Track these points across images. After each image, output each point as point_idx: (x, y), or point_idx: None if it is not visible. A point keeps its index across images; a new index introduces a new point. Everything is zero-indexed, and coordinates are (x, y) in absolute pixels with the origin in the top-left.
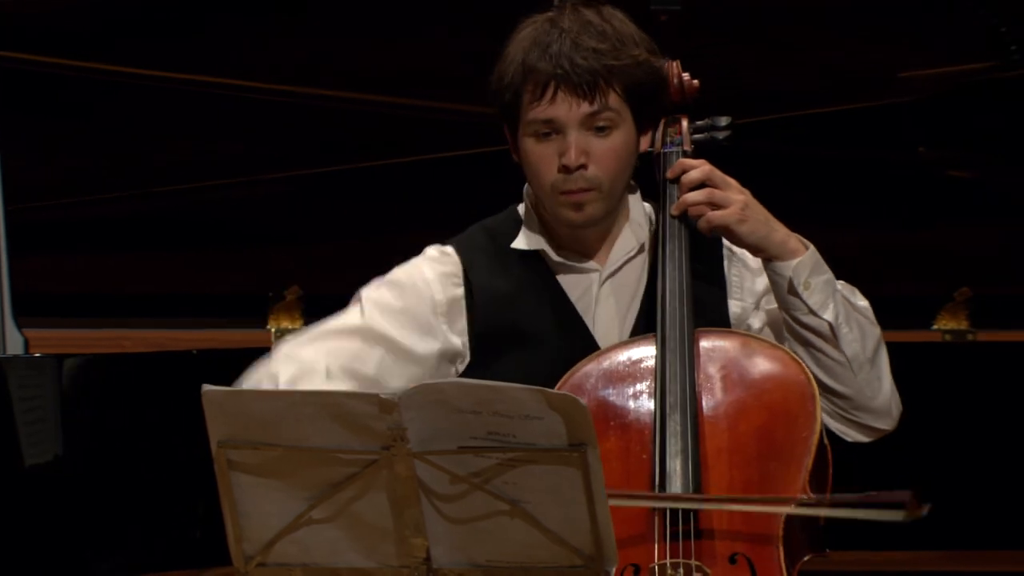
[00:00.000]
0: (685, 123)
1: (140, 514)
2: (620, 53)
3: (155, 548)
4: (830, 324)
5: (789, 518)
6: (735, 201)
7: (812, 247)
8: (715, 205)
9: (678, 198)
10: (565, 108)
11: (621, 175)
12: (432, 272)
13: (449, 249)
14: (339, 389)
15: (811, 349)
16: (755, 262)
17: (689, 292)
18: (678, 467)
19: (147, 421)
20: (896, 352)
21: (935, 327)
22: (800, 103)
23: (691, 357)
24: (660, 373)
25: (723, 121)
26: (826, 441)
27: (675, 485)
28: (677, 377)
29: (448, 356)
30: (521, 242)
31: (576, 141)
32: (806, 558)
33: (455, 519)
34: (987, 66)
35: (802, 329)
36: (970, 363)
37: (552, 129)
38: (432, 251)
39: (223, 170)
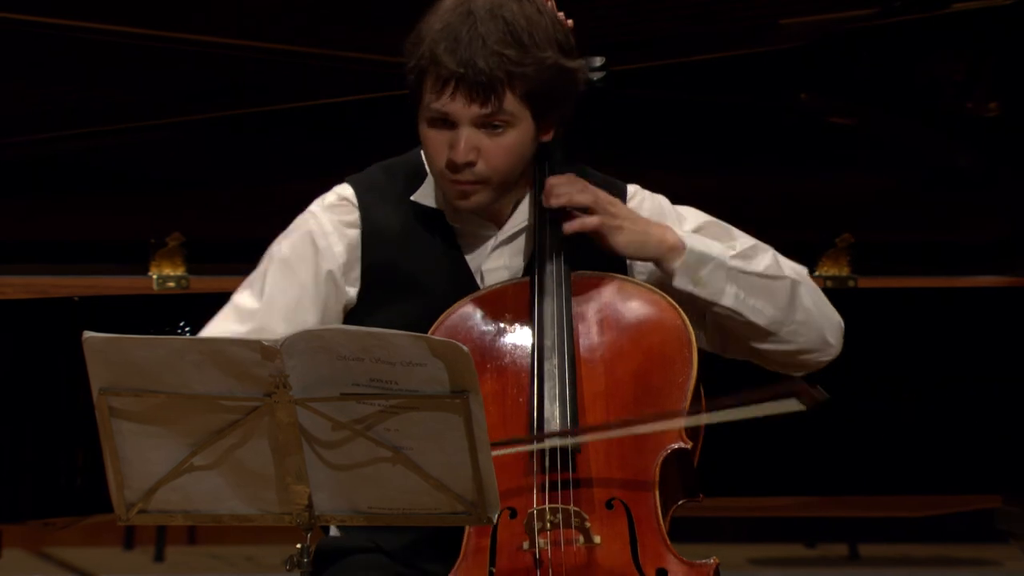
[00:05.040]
0: None
1: (21, 461)
2: (525, 57)
3: (36, 495)
4: (731, 308)
5: (665, 463)
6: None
7: (689, 242)
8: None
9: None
10: (460, 106)
11: (513, 169)
12: (330, 223)
13: (348, 191)
14: (220, 336)
15: (729, 322)
16: None
17: (567, 240)
18: (556, 410)
19: (28, 368)
20: None
21: (817, 273)
22: (681, 50)
23: (568, 300)
24: (537, 316)
25: (597, 62)
26: (701, 388)
27: (552, 428)
28: (554, 320)
29: (345, 308)
30: (422, 196)
31: (467, 137)
32: (680, 502)
33: (337, 466)
34: (868, 13)
35: (709, 313)
36: (852, 309)
37: (446, 120)
38: (331, 197)
39: (103, 116)
